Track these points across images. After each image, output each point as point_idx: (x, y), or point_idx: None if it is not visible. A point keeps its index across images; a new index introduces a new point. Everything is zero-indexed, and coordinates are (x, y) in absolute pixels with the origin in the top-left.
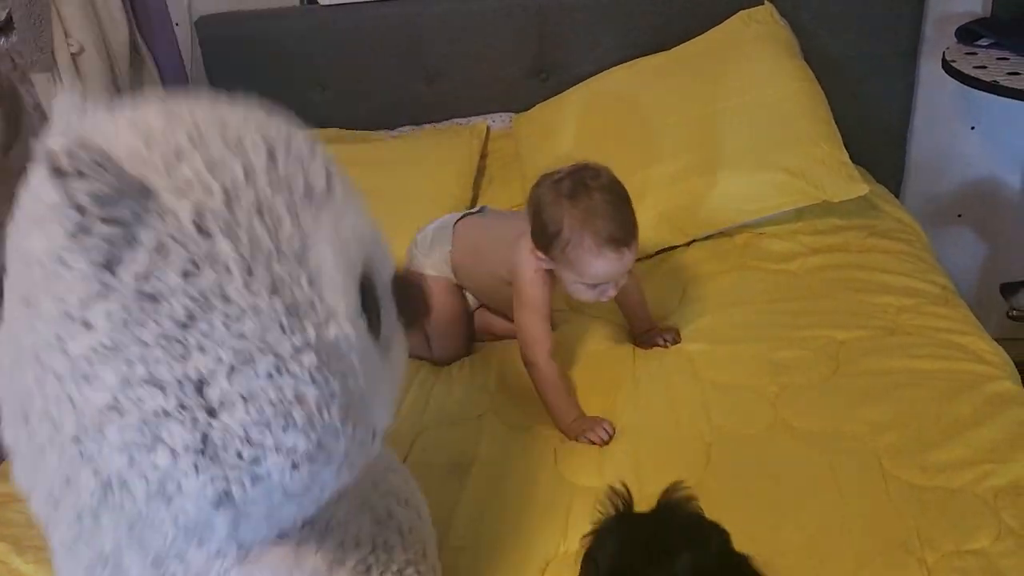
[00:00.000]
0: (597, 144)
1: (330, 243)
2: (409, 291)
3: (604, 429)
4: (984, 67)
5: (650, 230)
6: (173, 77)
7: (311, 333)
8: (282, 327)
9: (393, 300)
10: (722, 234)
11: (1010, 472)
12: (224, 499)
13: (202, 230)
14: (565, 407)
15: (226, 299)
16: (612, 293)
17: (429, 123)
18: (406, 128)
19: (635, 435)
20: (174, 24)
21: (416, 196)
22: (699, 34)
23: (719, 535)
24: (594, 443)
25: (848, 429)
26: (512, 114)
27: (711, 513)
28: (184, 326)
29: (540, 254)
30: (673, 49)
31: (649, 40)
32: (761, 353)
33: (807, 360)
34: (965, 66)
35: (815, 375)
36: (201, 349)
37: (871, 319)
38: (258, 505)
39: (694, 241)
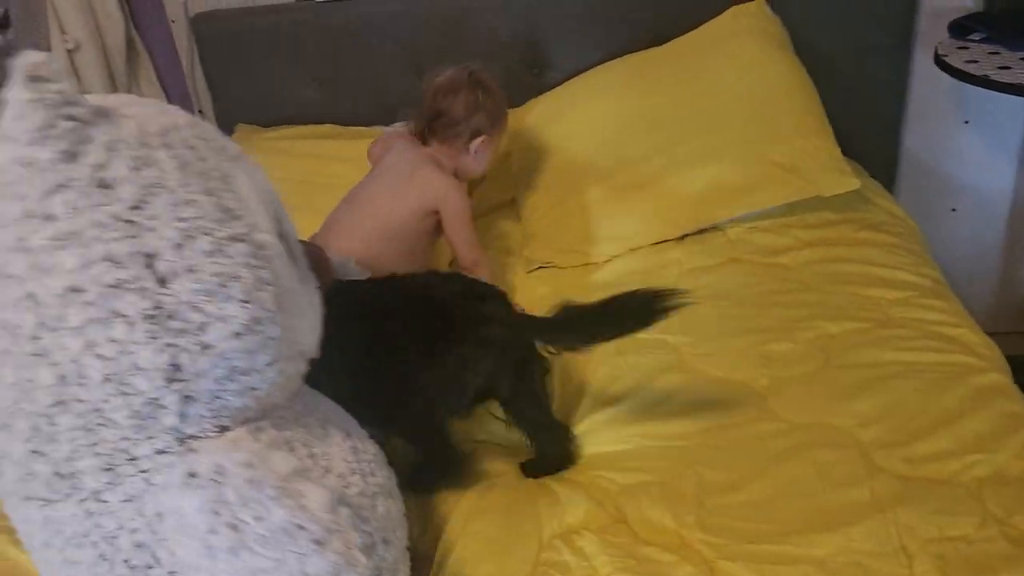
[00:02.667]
0: (589, 138)
1: (248, 180)
2: (313, 258)
3: None
4: (976, 61)
5: (642, 224)
6: (170, 74)
7: (241, 229)
8: (216, 220)
9: (304, 255)
10: (714, 228)
11: (995, 462)
12: (175, 372)
13: (144, 143)
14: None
15: (169, 190)
16: None
17: None
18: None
19: (622, 427)
20: (170, 21)
21: None
22: (691, 30)
23: None
24: None
25: (835, 422)
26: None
27: (698, 506)
28: (135, 208)
29: (473, 145)
30: (665, 44)
31: (642, 37)
32: (751, 346)
33: (797, 353)
34: (956, 60)
35: (805, 368)
36: (150, 229)
37: (862, 312)
38: (205, 379)
39: (686, 235)
